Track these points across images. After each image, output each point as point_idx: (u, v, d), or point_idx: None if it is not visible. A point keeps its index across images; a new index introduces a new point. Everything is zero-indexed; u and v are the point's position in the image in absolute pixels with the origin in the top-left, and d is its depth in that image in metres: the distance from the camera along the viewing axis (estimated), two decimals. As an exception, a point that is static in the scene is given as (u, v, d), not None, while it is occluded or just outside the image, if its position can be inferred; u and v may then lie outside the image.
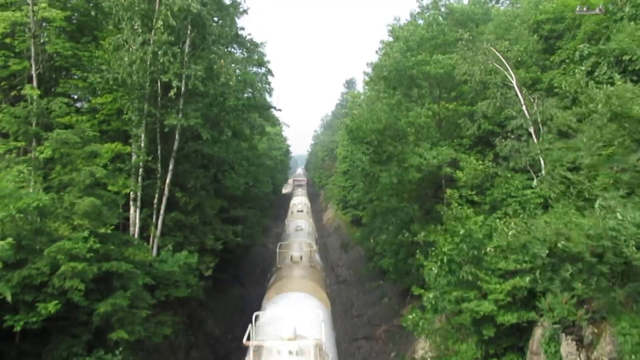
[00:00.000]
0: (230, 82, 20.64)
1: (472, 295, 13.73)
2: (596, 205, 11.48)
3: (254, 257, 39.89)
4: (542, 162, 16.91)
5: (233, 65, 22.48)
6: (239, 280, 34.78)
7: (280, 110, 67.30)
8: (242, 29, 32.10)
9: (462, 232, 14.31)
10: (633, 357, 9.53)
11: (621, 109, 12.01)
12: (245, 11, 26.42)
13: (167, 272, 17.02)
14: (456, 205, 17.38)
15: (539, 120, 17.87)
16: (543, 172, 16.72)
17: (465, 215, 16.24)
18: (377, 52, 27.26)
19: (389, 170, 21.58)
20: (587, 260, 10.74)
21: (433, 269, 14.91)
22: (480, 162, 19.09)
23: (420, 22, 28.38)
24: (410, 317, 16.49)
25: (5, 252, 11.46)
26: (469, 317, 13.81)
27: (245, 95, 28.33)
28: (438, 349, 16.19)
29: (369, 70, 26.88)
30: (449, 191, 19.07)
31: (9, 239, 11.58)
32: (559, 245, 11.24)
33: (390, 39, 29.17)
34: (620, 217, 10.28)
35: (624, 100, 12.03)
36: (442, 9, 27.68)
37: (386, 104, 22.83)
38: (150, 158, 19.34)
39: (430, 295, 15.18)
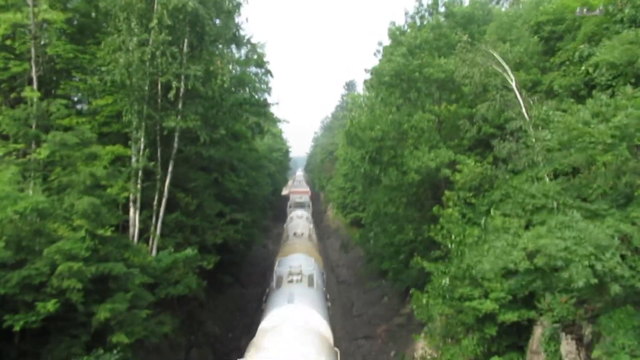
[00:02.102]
0: (225, 84, 20.44)
1: (476, 294, 13.79)
2: (553, 223, 10.88)
3: (254, 257, 40.00)
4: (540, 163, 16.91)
5: (229, 66, 22.42)
6: (239, 280, 34.84)
7: (277, 104, 64.32)
8: (242, 28, 32.09)
9: (476, 232, 14.37)
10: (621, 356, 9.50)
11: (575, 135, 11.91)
12: (238, 6, 26.27)
13: (166, 268, 17.03)
14: (452, 205, 17.43)
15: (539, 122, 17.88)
16: (545, 174, 16.72)
17: (466, 214, 16.32)
18: (375, 54, 27.27)
19: (389, 175, 21.60)
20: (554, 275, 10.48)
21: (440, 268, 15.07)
22: (479, 164, 19.12)
23: (414, 19, 28.44)
24: (420, 300, 16.54)
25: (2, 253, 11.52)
26: (471, 316, 13.87)
27: (243, 95, 28.41)
28: (438, 347, 16.23)
29: (368, 75, 26.87)
30: (446, 192, 19.13)
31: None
32: (526, 265, 10.89)
33: (390, 42, 29.25)
34: (580, 235, 9.84)
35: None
36: (442, 10, 27.75)
37: (387, 109, 22.85)
38: (151, 164, 19.35)
39: (442, 282, 15.32)
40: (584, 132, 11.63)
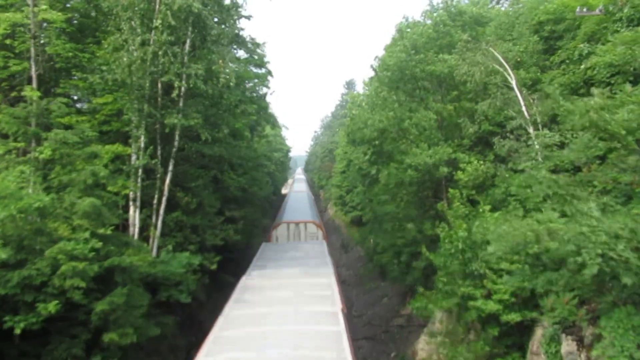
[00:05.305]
0: (231, 83, 20.58)
1: (478, 294, 13.80)
2: (571, 210, 10.71)
3: (253, 257, 39.83)
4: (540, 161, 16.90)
5: (232, 65, 22.49)
6: (239, 280, 34.69)
7: (274, 92, 63.77)
8: (242, 29, 32.24)
9: (477, 223, 14.34)
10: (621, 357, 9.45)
11: (596, 119, 11.87)
12: (247, 17, 26.55)
13: (170, 272, 17.02)
14: (458, 204, 17.39)
15: (539, 120, 17.90)
16: (544, 172, 16.67)
17: (471, 212, 16.25)
18: (384, 50, 27.21)
19: (389, 170, 21.54)
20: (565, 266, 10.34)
21: (442, 259, 15.06)
22: (482, 163, 19.15)
23: (428, 21, 28.41)
24: (419, 304, 16.36)
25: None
26: (475, 315, 13.89)
27: (243, 92, 28.49)
28: (439, 349, 16.19)
29: (376, 64, 26.60)
30: (451, 190, 19.15)
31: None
32: (535, 249, 10.64)
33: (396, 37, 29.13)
34: (595, 224, 9.57)
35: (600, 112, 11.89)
36: (452, 10, 27.66)
37: (389, 104, 22.82)
38: (152, 161, 19.31)
39: (442, 275, 15.25)
40: (600, 118, 11.51)
